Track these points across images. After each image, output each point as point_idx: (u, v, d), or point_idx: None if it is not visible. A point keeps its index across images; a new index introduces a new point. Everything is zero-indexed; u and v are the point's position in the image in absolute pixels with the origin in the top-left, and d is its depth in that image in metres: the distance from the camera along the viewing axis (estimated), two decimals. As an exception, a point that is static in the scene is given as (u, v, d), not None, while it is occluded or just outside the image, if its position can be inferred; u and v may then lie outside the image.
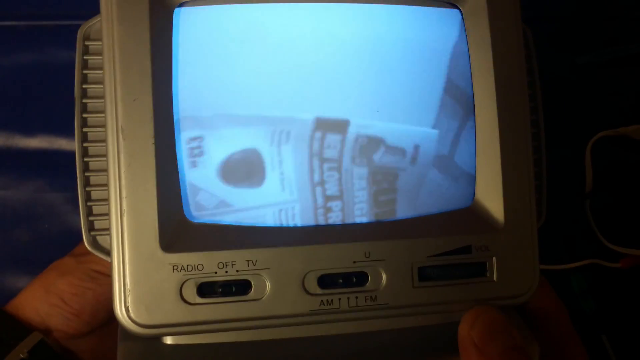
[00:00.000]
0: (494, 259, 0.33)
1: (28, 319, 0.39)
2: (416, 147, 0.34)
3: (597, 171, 0.56)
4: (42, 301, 0.40)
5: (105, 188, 0.31)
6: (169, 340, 0.32)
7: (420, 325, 0.34)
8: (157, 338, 0.32)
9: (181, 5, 0.32)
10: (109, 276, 0.39)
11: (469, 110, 0.34)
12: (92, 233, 0.31)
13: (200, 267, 0.30)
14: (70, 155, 0.56)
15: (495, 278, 0.33)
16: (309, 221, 0.33)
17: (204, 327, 0.31)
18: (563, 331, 0.35)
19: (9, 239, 0.55)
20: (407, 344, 0.34)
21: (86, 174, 0.31)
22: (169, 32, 0.31)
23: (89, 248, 0.31)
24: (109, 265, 0.40)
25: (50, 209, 0.55)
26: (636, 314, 0.55)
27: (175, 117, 0.31)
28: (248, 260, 0.31)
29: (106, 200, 0.31)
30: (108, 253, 0.31)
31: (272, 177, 0.32)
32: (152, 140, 0.30)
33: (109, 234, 0.31)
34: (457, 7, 0.34)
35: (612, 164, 0.56)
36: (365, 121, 0.33)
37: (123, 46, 0.30)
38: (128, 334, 0.33)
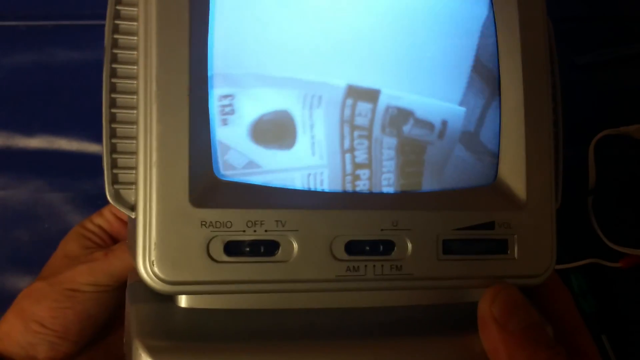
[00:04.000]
0: (515, 236, 0.33)
1: (11, 353, 0.39)
2: (444, 122, 0.34)
3: (598, 170, 0.56)
4: (23, 332, 0.39)
5: (132, 141, 0.30)
6: (183, 302, 0.32)
7: (439, 303, 0.34)
8: (171, 300, 0.32)
9: None
10: (85, 292, 0.40)
11: (495, 90, 0.34)
12: (116, 186, 0.30)
13: (228, 225, 0.30)
14: (71, 155, 0.56)
15: (515, 256, 0.33)
16: (337, 187, 0.32)
17: (228, 287, 0.30)
18: (570, 319, 0.35)
19: (9, 239, 0.55)
20: (424, 320, 0.33)
21: (113, 125, 0.30)
22: None
23: (111, 201, 0.30)
24: (85, 281, 0.40)
25: (50, 209, 0.55)
26: (636, 314, 0.55)
27: (208, 73, 0.31)
28: (277, 221, 0.30)
29: (132, 153, 0.30)
30: (131, 207, 0.30)
31: (302, 141, 0.32)
32: (186, 93, 0.30)
33: (134, 187, 0.30)
34: None
35: (614, 163, 0.56)
36: (396, 92, 0.33)
37: None
38: (139, 296, 0.32)
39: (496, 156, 0.34)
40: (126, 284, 0.41)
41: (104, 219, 0.46)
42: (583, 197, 0.55)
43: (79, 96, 0.57)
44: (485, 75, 0.34)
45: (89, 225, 0.45)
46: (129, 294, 0.34)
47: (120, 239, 0.45)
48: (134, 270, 0.38)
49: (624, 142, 0.57)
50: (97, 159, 0.56)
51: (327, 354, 0.31)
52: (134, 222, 0.31)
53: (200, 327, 0.31)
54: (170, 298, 0.32)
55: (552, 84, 0.35)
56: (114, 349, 0.44)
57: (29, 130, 0.56)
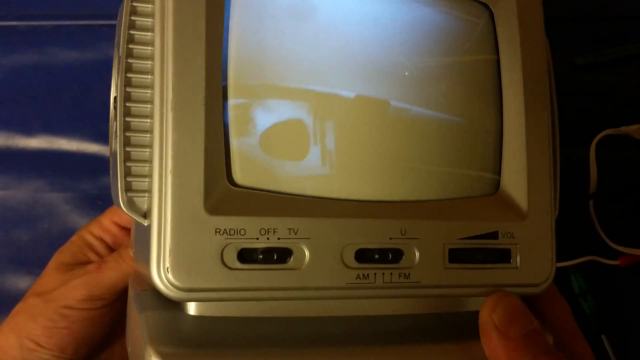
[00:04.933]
0: (518, 246, 0.34)
1: None
2: (448, 133, 0.35)
3: (599, 170, 0.56)
4: (17, 349, 0.39)
5: (145, 149, 0.31)
6: (192, 310, 0.32)
7: (442, 311, 0.35)
8: (180, 308, 0.32)
9: None
10: (81, 310, 0.40)
11: (497, 104, 0.36)
12: (129, 194, 0.31)
13: (242, 232, 0.30)
14: (71, 155, 0.56)
15: (518, 265, 0.34)
16: (347, 196, 0.33)
17: (241, 294, 0.30)
18: (568, 327, 0.35)
19: (9, 239, 0.55)
20: (428, 328, 0.34)
21: (127, 133, 0.31)
22: None
23: (124, 210, 0.30)
24: (79, 296, 0.40)
25: (50, 209, 0.55)
26: (636, 314, 0.55)
27: (223, 83, 0.31)
28: (290, 229, 0.31)
29: (145, 161, 0.31)
30: (143, 215, 0.31)
31: (314, 150, 0.33)
32: (202, 102, 0.30)
33: (147, 195, 0.30)
34: (488, 7, 0.36)
35: (614, 163, 0.57)
36: (403, 104, 0.34)
37: (178, 7, 0.30)
38: (147, 305, 0.33)
39: (498, 167, 0.35)
40: (119, 299, 0.42)
41: (102, 228, 0.45)
42: (584, 200, 0.55)
43: (79, 96, 0.57)
44: (488, 88, 0.36)
45: (87, 236, 0.45)
46: (136, 303, 0.34)
47: (119, 248, 0.45)
48: (137, 279, 0.38)
49: (625, 142, 0.57)
50: (97, 159, 0.56)
51: None
52: (144, 229, 0.31)
53: (210, 334, 0.31)
54: (179, 306, 0.32)
55: (551, 99, 0.36)
56: None
57: (29, 130, 0.56)
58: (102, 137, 0.56)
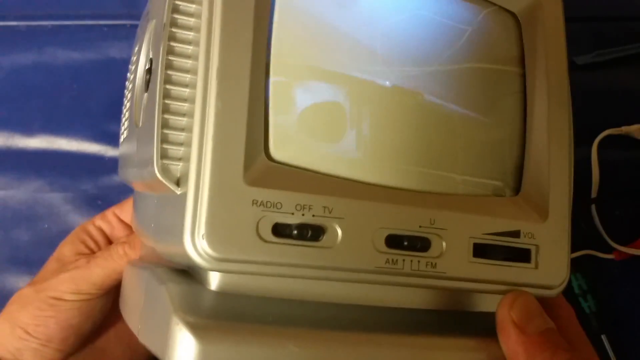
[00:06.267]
0: (538, 247, 0.34)
1: (2, 357, 0.40)
2: (478, 133, 0.36)
3: (601, 170, 0.56)
4: (10, 337, 0.40)
5: (183, 118, 0.31)
6: (214, 286, 0.32)
7: (459, 309, 0.36)
8: (201, 283, 0.32)
9: None
10: (68, 301, 0.40)
11: (522, 109, 0.37)
12: (165, 161, 0.30)
13: (279, 206, 0.30)
14: (71, 155, 0.56)
15: (537, 266, 0.34)
16: (380, 181, 0.33)
17: (272, 269, 0.30)
18: (573, 331, 0.36)
19: (9, 239, 0.55)
20: (447, 323, 0.34)
21: (166, 100, 0.31)
22: None
23: (159, 175, 0.30)
24: (67, 289, 0.40)
25: (50, 209, 0.55)
26: (636, 313, 0.55)
27: (266, 59, 0.32)
28: (325, 207, 0.31)
29: (182, 130, 0.31)
30: (177, 182, 0.31)
31: (350, 134, 0.33)
32: (248, 74, 0.30)
33: (181, 163, 0.30)
34: (515, 16, 0.38)
35: (616, 163, 0.57)
36: (436, 99, 0.35)
37: None
38: (166, 278, 0.32)
39: (521, 169, 0.36)
40: (109, 293, 0.42)
41: (106, 222, 0.46)
42: (586, 201, 0.55)
43: (79, 96, 0.57)
44: (514, 94, 0.37)
45: (90, 228, 0.45)
46: (153, 277, 0.34)
47: (115, 241, 0.45)
48: (147, 258, 0.38)
49: (626, 142, 0.57)
50: (97, 159, 0.56)
51: (358, 345, 0.31)
52: (173, 200, 0.31)
53: (233, 309, 0.31)
54: (200, 281, 0.32)
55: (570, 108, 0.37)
56: (102, 355, 0.44)
57: (29, 130, 0.56)
58: (102, 137, 0.57)
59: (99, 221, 0.46)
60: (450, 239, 0.33)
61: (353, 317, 0.33)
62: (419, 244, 0.32)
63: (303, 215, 0.30)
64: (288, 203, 0.30)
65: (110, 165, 0.56)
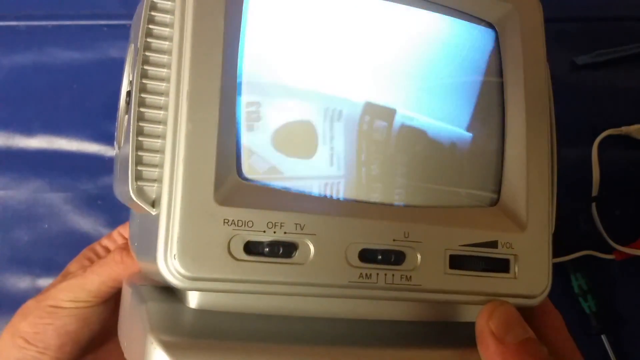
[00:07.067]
0: (516, 256, 0.34)
1: None
2: (453, 145, 0.36)
3: (601, 170, 0.56)
4: (11, 348, 0.40)
5: (157, 140, 0.31)
6: (193, 303, 0.32)
7: (438, 320, 0.35)
8: (180, 301, 0.33)
9: None
10: (65, 308, 0.41)
11: (500, 119, 0.37)
12: (139, 183, 0.31)
13: (250, 224, 0.30)
14: (71, 155, 0.56)
15: (516, 275, 0.34)
16: (353, 197, 0.34)
17: (245, 286, 0.31)
18: (561, 339, 0.36)
19: (9, 239, 0.55)
20: (425, 335, 0.34)
21: (140, 123, 0.31)
22: None
23: (133, 197, 0.31)
24: (65, 297, 0.41)
25: (50, 209, 0.56)
26: (636, 313, 0.55)
27: (238, 80, 0.32)
28: (296, 224, 0.31)
29: (156, 151, 0.31)
30: (152, 204, 0.31)
31: (322, 151, 0.33)
32: (218, 95, 0.31)
33: (157, 185, 0.31)
34: (493, 28, 0.37)
35: (616, 163, 0.57)
36: (410, 113, 0.35)
37: (198, 4, 0.31)
38: (147, 297, 0.33)
39: (499, 180, 0.36)
40: (107, 302, 0.42)
41: (112, 241, 0.46)
42: (586, 201, 0.55)
43: (79, 96, 0.57)
44: (491, 105, 0.37)
45: (97, 247, 0.46)
46: (135, 296, 0.35)
47: None
48: (134, 277, 0.38)
49: (626, 143, 0.57)
50: (97, 159, 0.56)
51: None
52: (150, 220, 0.31)
53: (211, 326, 0.31)
54: (180, 299, 0.33)
55: (550, 115, 0.37)
56: None
57: (29, 130, 0.56)
58: (102, 137, 0.57)
59: (105, 241, 0.46)
60: (425, 252, 0.33)
61: (332, 331, 0.33)
62: (392, 258, 0.32)
63: (275, 232, 0.31)
64: (259, 221, 0.31)
65: (110, 165, 0.56)
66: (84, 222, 0.55)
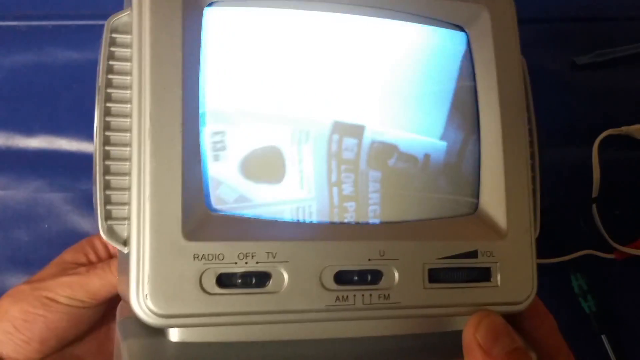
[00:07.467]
0: (498, 264, 0.34)
1: None
2: (426, 156, 0.35)
3: (602, 170, 0.56)
4: None
5: (125, 177, 0.31)
6: (174, 337, 0.32)
7: (425, 332, 0.35)
8: (162, 335, 0.32)
9: (210, 4, 0.33)
10: (60, 303, 0.40)
11: (475, 125, 0.36)
12: (109, 222, 0.31)
13: (220, 257, 0.30)
14: (71, 155, 0.56)
15: (499, 283, 0.34)
16: (325, 219, 0.33)
17: (220, 319, 0.31)
18: (553, 344, 0.36)
19: (9, 239, 0.55)
20: (412, 348, 0.34)
21: (106, 162, 0.31)
22: (199, 28, 0.32)
23: (104, 237, 0.31)
24: (63, 293, 0.40)
25: (50, 209, 0.55)
26: (636, 314, 0.55)
27: (200, 111, 0.32)
28: (268, 252, 0.31)
29: (125, 189, 0.31)
30: (123, 242, 0.31)
31: (291, 175, 0.33)
32: (180, 129, 0.30)
33: (127, 223, 0.31)
34: (464, 30, 0.36)
35: (616, 163, 0.57)
36: (380, 128, 0.34)
37: (155, 37, 0.31)
38: (131, 331, 0.33)
39: (477, 187, 0.36)
40: (103, 304, 0.42)
41: None
42: (587, 201, 0.55)
43: (79, 96, 0.57)
44: (465, 111, 0.36)
45: (95, 241, 0.45)
46: (119, 330, 0.34)
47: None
48: (124, 305, 0.38)
49: (626, 142, 0.57)
50: (97, 159, 0.56)
51: None
52: (125, 257, 0.31)
53: (193, 358, 0.31)
54: (162, 333, 0.32)
55: (528, 118, 0.36)
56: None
57: (29, 130, 0.56)
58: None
59: None
60: (403, 268, 0.32)
61: (317, 353, 0.33)
62: (369, 277, 0.32)
63: (247, 263, 0.31)
64: (230, 253, 0.30)
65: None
66: (84, 222, 0.55)
